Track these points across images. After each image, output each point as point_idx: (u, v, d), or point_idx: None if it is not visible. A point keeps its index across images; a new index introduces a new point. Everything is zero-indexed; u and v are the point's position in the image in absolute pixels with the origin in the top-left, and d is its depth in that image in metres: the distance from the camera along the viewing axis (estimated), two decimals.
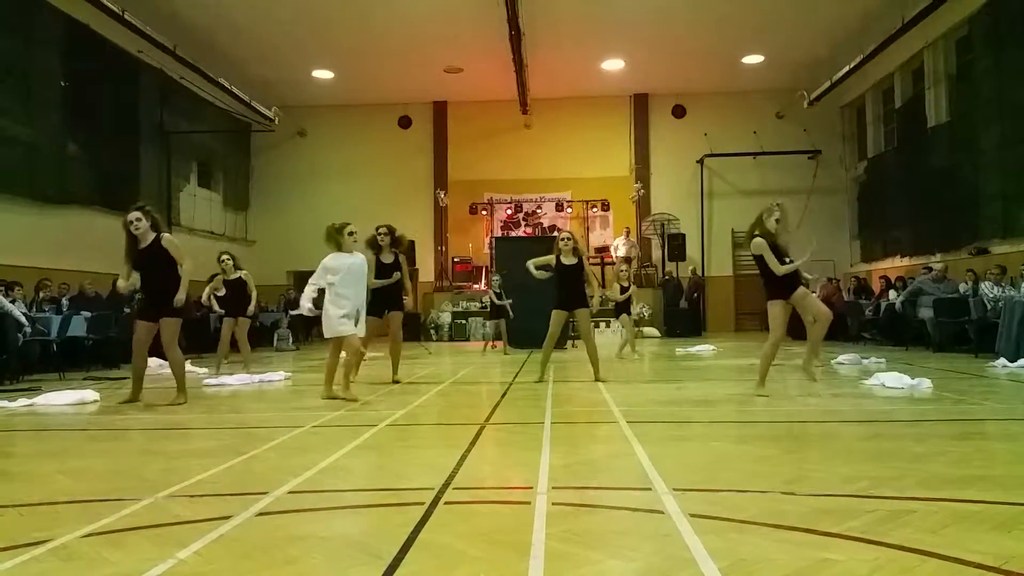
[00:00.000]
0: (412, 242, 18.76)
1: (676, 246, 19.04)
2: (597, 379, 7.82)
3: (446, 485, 3.40)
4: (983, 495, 3.09)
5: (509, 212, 20.71)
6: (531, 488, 3.34)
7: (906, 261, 16.26)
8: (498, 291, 13.32)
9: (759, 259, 6.40)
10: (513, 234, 19.81)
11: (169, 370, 6.97)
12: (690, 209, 20.38)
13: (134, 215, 6.63)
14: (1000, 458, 4.05)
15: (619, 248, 19.55)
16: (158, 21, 14.38)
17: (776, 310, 6.43)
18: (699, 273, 19.72)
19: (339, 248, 6.83)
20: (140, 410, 6.44)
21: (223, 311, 10.50)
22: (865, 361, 9.85)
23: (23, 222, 12.28)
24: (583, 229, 20.53)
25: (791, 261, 6.38)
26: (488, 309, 14.23)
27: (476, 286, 18.96)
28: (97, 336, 11.18)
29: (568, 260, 7.88)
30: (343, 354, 6.84)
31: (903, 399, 6.33)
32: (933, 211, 14.99)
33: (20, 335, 9.58)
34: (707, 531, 2.62)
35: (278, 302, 18.27)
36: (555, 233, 18.92)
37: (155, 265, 6.64)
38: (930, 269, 12.84)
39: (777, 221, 6.40)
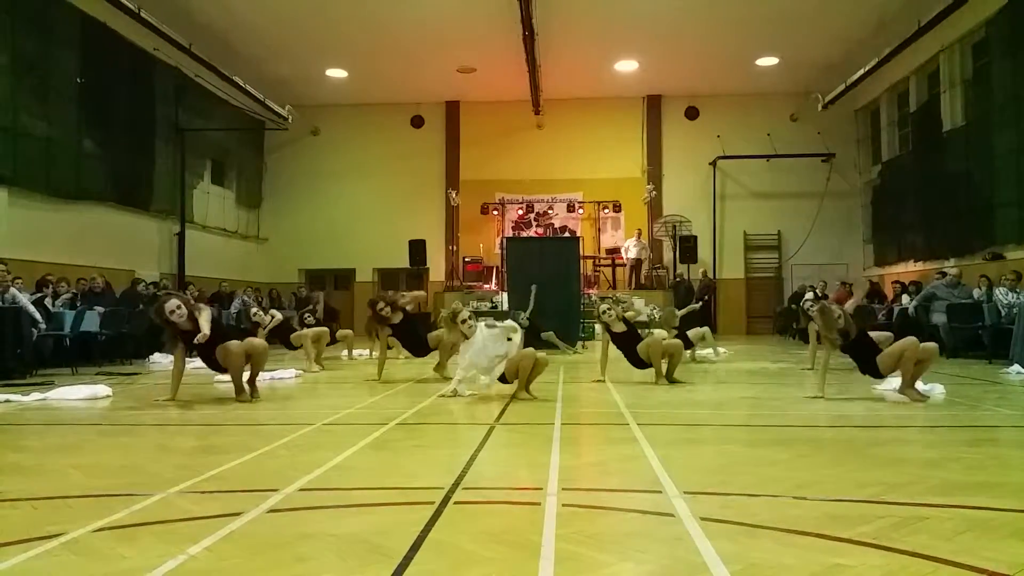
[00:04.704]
0: (423, 241, 18.92)
1: (688, 248, 18.97)
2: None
3: (456, 485, 3.40)
4: (997, 502, 3.07)
5: (520, 212, 20.68)
6: (541, 489, 3.33)
7: (920, 266, 16.16)
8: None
9: None
10: (524, 234, 19.76)
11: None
12: (702, 211, 20.29)
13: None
14: (1014, 465, 4.01)
15: (630, 250, 19.53)
16: (174, 19, 14.45)
17: None
18: (710, 275, 19.67)
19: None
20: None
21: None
22: None
23: (38, 217, 12.38)
24: (594, 230, 20.52)
25: None
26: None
27: (487, 286, 18.95)
28: (110, 331, 11.25)
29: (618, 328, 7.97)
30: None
31: (916, 404, 6.29)
32: (947, 215, 14.89)
33: (35, 330, 9.66)
34: (718, 535, 2.61)
35: (290, 299, 18.31)
36: (565, 233, 19.01)
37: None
38: (944, 274, 12.74)
39: None
